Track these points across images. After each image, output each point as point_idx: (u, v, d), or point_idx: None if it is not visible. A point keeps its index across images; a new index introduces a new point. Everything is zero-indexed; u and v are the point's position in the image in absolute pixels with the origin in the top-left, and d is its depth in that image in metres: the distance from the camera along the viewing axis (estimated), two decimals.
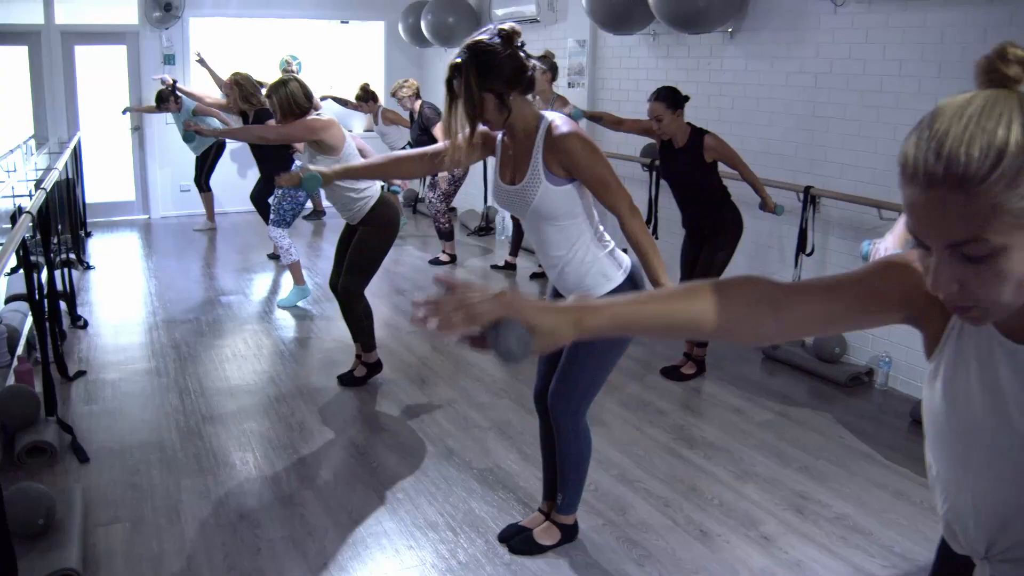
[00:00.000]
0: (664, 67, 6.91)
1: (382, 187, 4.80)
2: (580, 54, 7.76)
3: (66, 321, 5.93)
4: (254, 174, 8.18)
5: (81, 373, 5.07)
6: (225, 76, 6.88)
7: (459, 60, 2.75)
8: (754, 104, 6.09)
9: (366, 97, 8.66)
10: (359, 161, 3.36)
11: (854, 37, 5.28)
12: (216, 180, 9.68)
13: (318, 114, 4.64)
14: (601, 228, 3.03)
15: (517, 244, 7.68)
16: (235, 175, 10.38)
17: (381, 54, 11.35)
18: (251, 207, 8.23)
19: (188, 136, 4.63)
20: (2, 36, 9.54)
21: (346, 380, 4.95)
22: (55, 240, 7.00)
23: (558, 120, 2.85)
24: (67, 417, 4.44)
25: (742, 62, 6.18)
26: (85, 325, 6.00)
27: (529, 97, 2.87)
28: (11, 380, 4.46)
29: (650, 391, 5.00)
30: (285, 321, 6.25)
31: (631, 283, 3.00)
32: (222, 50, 10.42)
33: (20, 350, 4.91)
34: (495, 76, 2.73)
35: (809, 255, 5.51)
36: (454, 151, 2.86)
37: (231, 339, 5.80)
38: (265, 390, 4.90)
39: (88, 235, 9.30)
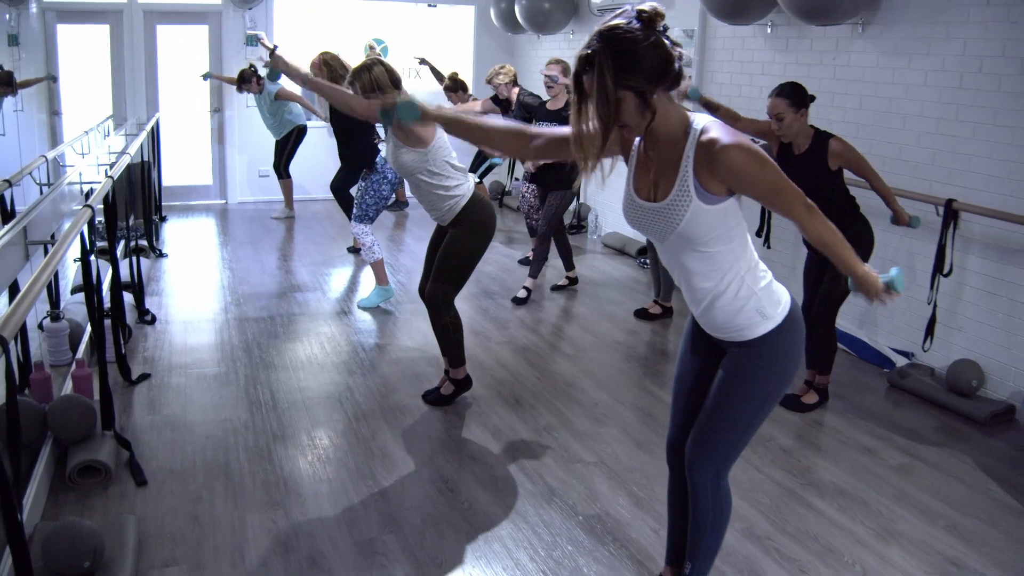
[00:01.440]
0: (782, 61, 6.25)
1: (476, 182, 4.27)
2: (687, 45, 7.13)
3: (133, 315, 5.54)
4: (336, 161, 7.72)
5: (145, 376, 4.66)
6: (315, 58, 6.42)
7: (590, 51, 2.18)
8: (886, 105, 5.42)
9: (455, 87, 8.15)
10: (474, 120, 2.74)
11: (1010, 32, 4.58)
12: (296, 166, 9.28)
13: None
14: (756, 255, 2.45)
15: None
16: (316, 161, 9.97)
17: (470, 40, 10.85)
18: (330, 195, 7.74)
19: (273, 75, 4.10)
20: (84, 14, 9.28)
21: (432, 398, 4.45)
22: (127, 225, 6.67)
23: (713, 127, 2.26)
24: (127, 428, 4.02)
25: (873, 58, 5.51)
26: (153, 320, 5.61)
27: (674, 95, 2.30)
28: (68, 386, 4.05)
29: (769, 423, 4.39)
30: (365, 324, 5.77)
31: (791, 323, 2.43)
32: (306, 32, 10.04)
33: (82, 351, 4.52)
34: (636, 70, 2.16)
35: (947, 275, 4.84)
36: (587, 162, 2.30)
37: (306, 342, 5.34)
38: (343, 405, 4.42)
39: (163, 220, 8.99)
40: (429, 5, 10.58)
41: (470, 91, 8.37)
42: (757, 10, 6.05)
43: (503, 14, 9.49)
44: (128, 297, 5.64)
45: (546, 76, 6.33)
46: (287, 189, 9.28)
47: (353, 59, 6.47)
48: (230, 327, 5.56)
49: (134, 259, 5.78)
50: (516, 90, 7.34)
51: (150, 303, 5.98)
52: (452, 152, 4.12)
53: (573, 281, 6.81)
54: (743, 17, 6.17)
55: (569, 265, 6.78)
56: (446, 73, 8.36)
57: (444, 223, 4.16)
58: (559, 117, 6.06)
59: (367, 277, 6.94)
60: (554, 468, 3.82)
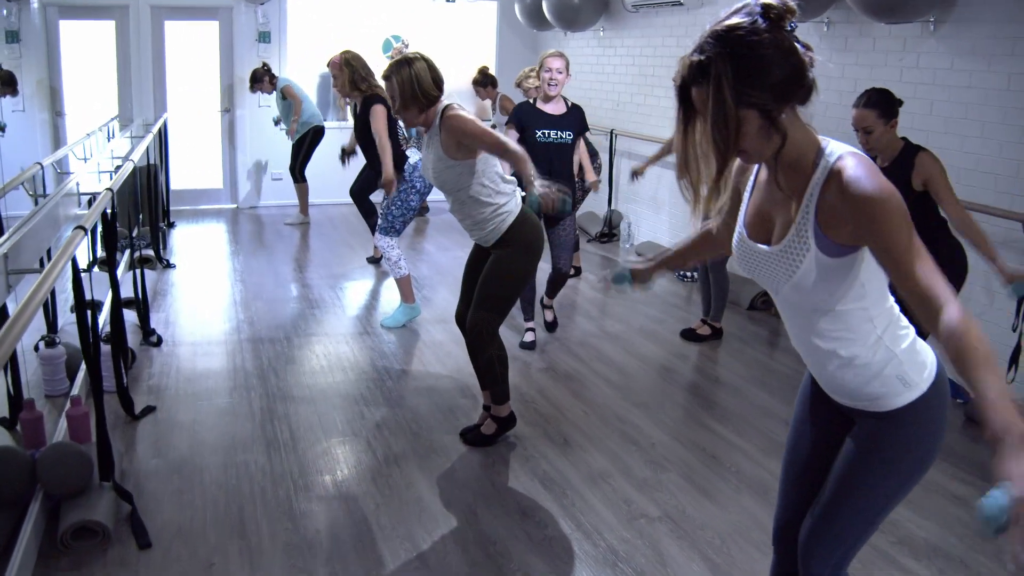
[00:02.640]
0: (839, 62, 5.74)
1: (522, 197, 3.76)
2: None
3: (137, 336, 5.07)
4: (355, 164, 7.24)
5: (149, 410, 4.19)
6: (334, 57, 5.91)
7: (704, 57, 1.68)
8: (962, 111, 4.92)
9: (484, 82, 7.67)
10: (696, 239, 2.28)
11: None
12: (312, 169, 8.81)
13: (455, 106, 3.59)
14: (897, 308, 1.94)
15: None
16: (333, 164, 9.48)
17: (493, 37, 10.36)
18: (349, 200, 7.24)
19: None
20: (88, 9, 8.83)
21: (472, 438, 3.96)
22: (130, 235, 6.20)
23: (849, 158, 1.73)
24: (128, 474, 3.55)
25: (947, 59, 5.01)
26: (159, 342, 5.14)
27: (801, 111, 1.79)
28: (63, 427, 3.58)
29: None
30: (390, 346, 5.30)
31: (937, 391, 1.94)
32: (320, 29, 9.58)
33: (79, 384, 4.05)
34: (762, 82, 1.67)
35: None
36: (697, 198, 1.80)
37: (327, 369, 4.87)
38: (371, 446, 3.94)
39: (171, 226, 8.53)
40: (447, 0, 10.09)
41: (498, 87, 7.90)
42: (814, 5, 5.55)
43: (529, 9, 9.00)
44: (132, 315, 5.18)
45: (552, 71, 5.08)
46: (302, 194, 8.82)
47: (370, 58, 6.01)
48: (243, 350, 5.09)
49: (138, 272, 5.31)
50: None
51: (156, 321, 5.52)
52: (499, 162, 3.64)
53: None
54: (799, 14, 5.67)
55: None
56: (474, 68, 7.90)
57: (487, 244, 3.67)
58: (562, 124, 5.18)
59: (388, 290, 6.47)
60: (615, 525, 3.34)
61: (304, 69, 9.60)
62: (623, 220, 8.34)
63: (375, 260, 7.26)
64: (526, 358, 5.12)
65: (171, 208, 8.83)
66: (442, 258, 7.47)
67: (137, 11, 8.82)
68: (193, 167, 9.56)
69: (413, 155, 5.46)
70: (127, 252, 6.22)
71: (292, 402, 4.37)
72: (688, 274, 7.07)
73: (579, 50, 9.27)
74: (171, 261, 7.06)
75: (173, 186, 9.11)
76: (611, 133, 8.28)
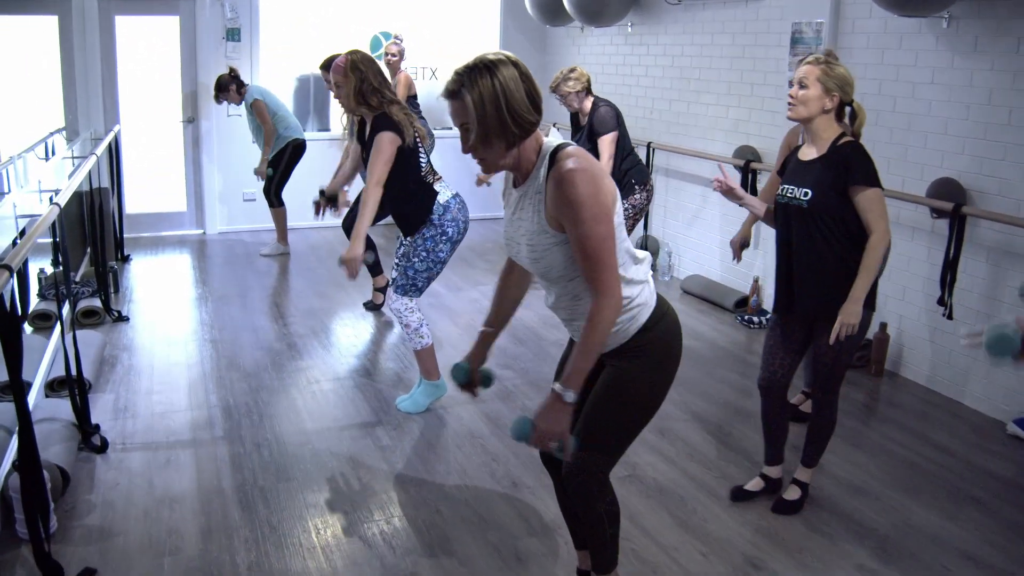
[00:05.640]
0: (964, 67, 4.54)
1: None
2: (811, 43, 5.43)
3: (73, 441, 3.76)
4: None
5: (88, 574, 2.91)
6: (339, 60, 4.35)
7: None
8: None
9: None
10: None
11: None
12: (291, 189, 7.51)
13: (573, 149, 2.27)
14: None
15: None
16: (312, 179, 8.16)
17: (496, 33, 9.09)
18: (332, 223, 5.91)
19: None
20: (24, 2, 7.44)
21: None
22: (67, 286, 4.90)
23: None
24: None
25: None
26: (104, 446, 3.85)
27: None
28: None
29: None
30: (411, 439, 4.04)
31: None
32: (298, 25, 8.28)
33: None
34: None
35: None
36: None
37: (331, 487, 3.61)
38: None
39: (126, 260, 7.21)
40: None
41: None
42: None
43: (542, 1, 7.76)
44: (66, 405, 3.89)
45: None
46: (280, 219, 7.51)
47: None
48: (218, 458, 3.81)
49: (73, 338, 4.01)
50: (590, 100, 5.63)
51: (101, 408, 4.23)
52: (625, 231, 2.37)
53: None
54: (918, 7, 4.48)
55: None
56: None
57: (604, 350, 2.40)
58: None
59: (396, 351, 5.21)
60: None
61: (280, 72, 8.28)
62: (661, 248, 7.12)
63: (374, 307, 5.99)
64: None
65: (125, 237, 7.51)
66: (456, 302, 6.21)
67: (82, 3, 7.46)
68: (152, 187, 8.21)
69: (444, 192, 4.14)
70: (66, 303, 4.90)
71: (290, 554, 3.10)
72: (752, 317, 5.88)
73: (599, 48, 8.04)
74: (123, 312, 5.73)
75: (128, 210, 7.80)
76: (649, 147, 7.04)
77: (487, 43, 9.01)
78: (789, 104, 3.19)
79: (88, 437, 3.86)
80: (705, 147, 6.59)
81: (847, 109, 3.24)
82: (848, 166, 3.11)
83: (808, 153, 3.25)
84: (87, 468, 3.67)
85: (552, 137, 2.28)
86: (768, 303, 6.02)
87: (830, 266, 3.19)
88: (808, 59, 3.20)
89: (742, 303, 6.14)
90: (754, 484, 3.58)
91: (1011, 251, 4.37)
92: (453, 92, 2.18)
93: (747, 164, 5.94)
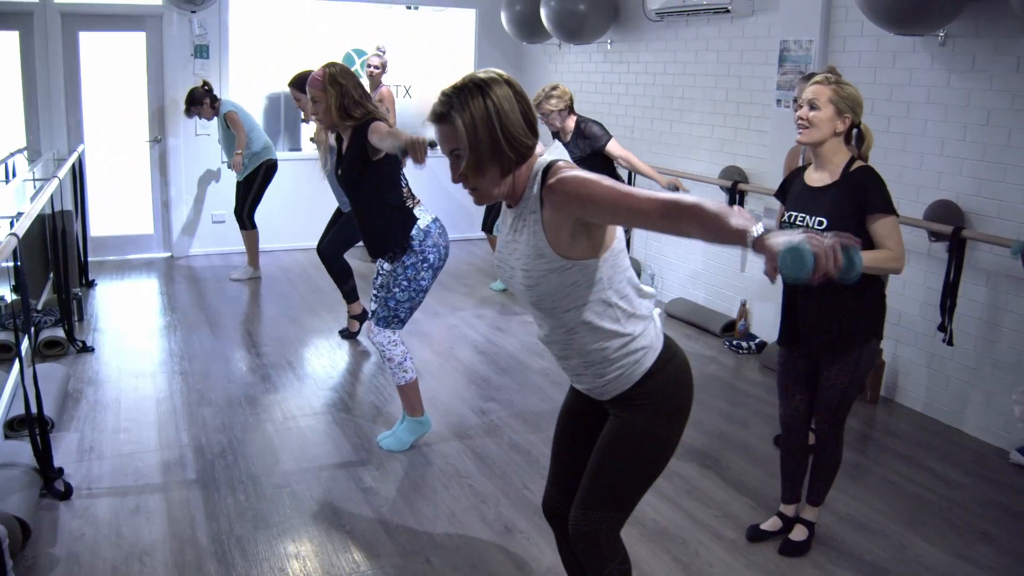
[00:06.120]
0: (961, 86, 4.43)
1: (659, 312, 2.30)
2: (800, 60, 5.31)
3: (34, 487, 3.52)
4: (322, 207, 5.75)
5: None
6: (316, 73, 4.06)
7: None
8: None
9: None
10: None
11: None
12: (263, 211, 7.29)
13: (564, 163, 2.09)
14: None
15: None
16: (283, 201, 7.96)
17: (471, 49, 8.92)
18: (304, 244, 5.69)
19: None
20: None
21: None
22: (26, 316, 4.66)
23: None
24: None
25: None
26: (68, 492, 3.61)
27: None
28: None
29: None
30: (391, 478, 3.84)
31: None
32: (268, 40, 8.08)
33: None
34: None
35: None
36: None
37: (300, 519, 3.40)
38: None
39: (91, 285, 6.93)
40: (408, 7, 8.64)
41: None
42: (935, 18, 4.26)
43: (519, 18, 7.61)
44: (27, 447, 3.65)
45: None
46: (251, 242, 7.27)
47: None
48: (192, 504, 3.58)
49: (33, 374, 3.77)
50: (573, 119, 5.49)
51: (64, 449, 3.99)
52: (630, 265, 2.20)
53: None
54: (915, 25, 4.36)
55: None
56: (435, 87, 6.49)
57: (605, 397, 2.22)
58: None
59: (375, 382, 5.00)
60: None
61: (250, 91, 8.06)
62: (644, 271, 6.97)
63: (350, 335, 5.77)
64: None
65: (90, 260, 7.24)
66: (434, 328, 6.00)
67: (44, 19, 7.21)
68: (117, 209, 7.94)
69: (424, 216, 3.94)
70: (25, 339, 4.64)
71: None
72: (739, 342, 5.73)
73: (577, 66, 7.89)
74: (88, 343, 5.47)
75: (93, 232, 7.53)
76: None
77: (462, 60, 8.85)
78: (799, 127, 3.02)
79: (51, 482, 3.61)
80: (689, 167, 6.46)
81: (855, 132, 3.09)
82: (866, 193, 2.95)
83: (817, 179, 3.09)
84: (50, 517, 3.43)
85: (549, 152, 2.07)
86: (755, 327, 5.88)
87: (840, 299, 3.02)
88: (817, 78, 3.04)
89: (729, 327, 6.00)
90: (771, 524, 3.41)
91: (1011, 275, 4.25)
92: (441, 115, 1.99)
93: (734, 185, 5.81)
